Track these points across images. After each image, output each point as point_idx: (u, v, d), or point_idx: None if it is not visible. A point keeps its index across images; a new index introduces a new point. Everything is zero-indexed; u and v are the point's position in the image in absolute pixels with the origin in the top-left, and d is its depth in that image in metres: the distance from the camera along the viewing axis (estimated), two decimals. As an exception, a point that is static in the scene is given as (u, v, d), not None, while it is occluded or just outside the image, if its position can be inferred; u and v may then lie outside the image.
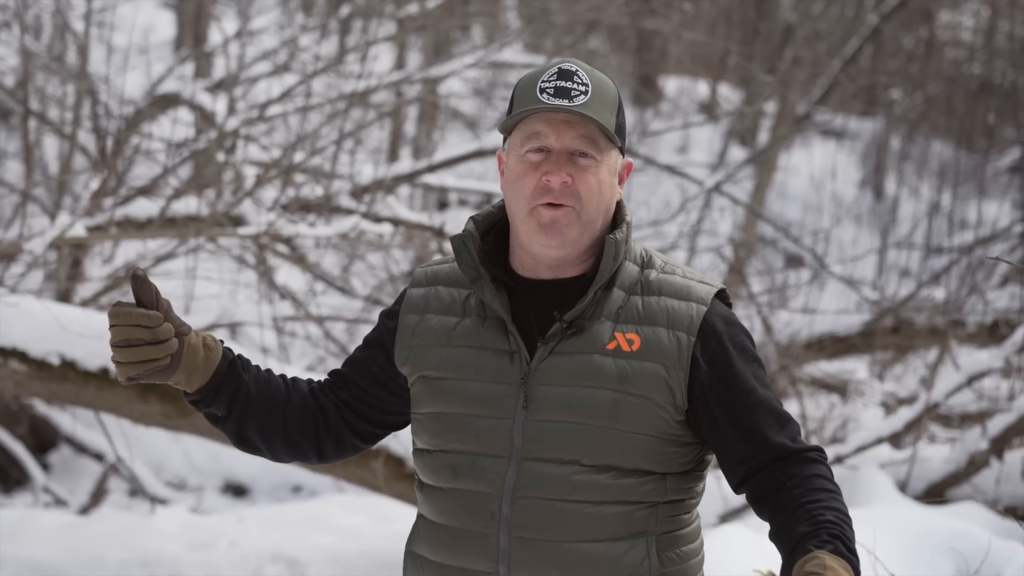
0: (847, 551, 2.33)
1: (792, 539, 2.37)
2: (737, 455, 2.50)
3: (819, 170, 14.78)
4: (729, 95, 15.84)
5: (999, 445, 6.73)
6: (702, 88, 16.34)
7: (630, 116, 12.09)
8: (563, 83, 2.48)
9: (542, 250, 2.51)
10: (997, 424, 6.75)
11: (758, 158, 11.44)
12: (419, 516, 2.64)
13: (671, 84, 16.51)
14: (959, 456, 6.78)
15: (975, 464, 6.74)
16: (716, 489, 5.78)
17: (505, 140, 2.58)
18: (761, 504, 2.48)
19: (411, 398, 2.61)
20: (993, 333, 8.76)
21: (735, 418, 2.48)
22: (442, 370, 2.55)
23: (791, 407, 8.17)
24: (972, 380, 7.19)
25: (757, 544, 5.02)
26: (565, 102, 2.46)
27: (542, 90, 2.48)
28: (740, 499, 6.02)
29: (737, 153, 13.78)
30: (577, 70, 2.50)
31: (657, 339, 2.48)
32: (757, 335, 8.54)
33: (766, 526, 2.48)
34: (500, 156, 2.60)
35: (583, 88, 2.48)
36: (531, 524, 2.47)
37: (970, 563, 5.02)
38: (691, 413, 2.50)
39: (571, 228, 2.48)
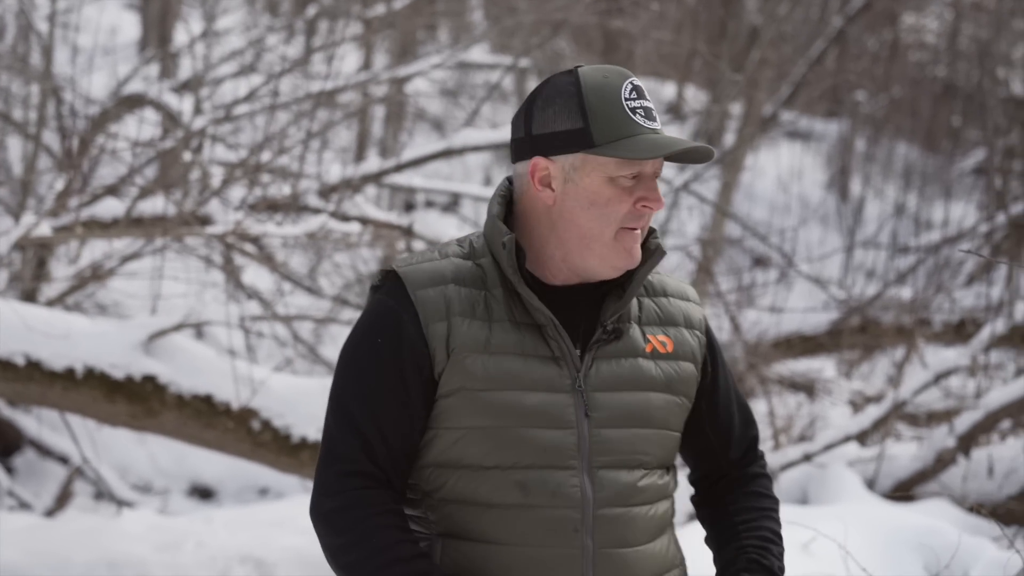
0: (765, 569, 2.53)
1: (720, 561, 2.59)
2: (705, 445, 2.63)
3: (786, 171, 14.83)
4: (696, 95, 15.86)
5: (966, 443, 6.76)
6: (669, 89, 16.36)
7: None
8: (645, 102, 2.42)
9: (612, 272, 2.45)
10: (964, 422, 6.79)
11: (725, 159, 11.44)
12: (451, 538, 2.43)
13: (638, 85, 16.51)
14: (926, 454, 6.80)
15: (942, 461, 6.76)
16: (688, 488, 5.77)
17: (552, 150, 2.42)
18: (701, 511, 2.69)
19: (439, 410, 2.42)
20: (960, 332, 8.81)
21: (715, 413, 2.61)
22: (489, 381, 2.39)
23: (759, 406, 8.19)
24: (939, 378, 7.23)
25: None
26: (656, 125, 2.42)
27: (633, 110, 2.41)
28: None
29: (703, 154, 13.77)
30: (639, 83, 2.44)
31: (685, 339, 2.54)
32: (725, 334, 8.55)
33: None
34: (538, 163, 2.44)
35: (653, 105, 2.45)
36: (613, 534, 2.43)
37: (940, 559, 5.05)
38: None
39: (638, 245, 2.49)
